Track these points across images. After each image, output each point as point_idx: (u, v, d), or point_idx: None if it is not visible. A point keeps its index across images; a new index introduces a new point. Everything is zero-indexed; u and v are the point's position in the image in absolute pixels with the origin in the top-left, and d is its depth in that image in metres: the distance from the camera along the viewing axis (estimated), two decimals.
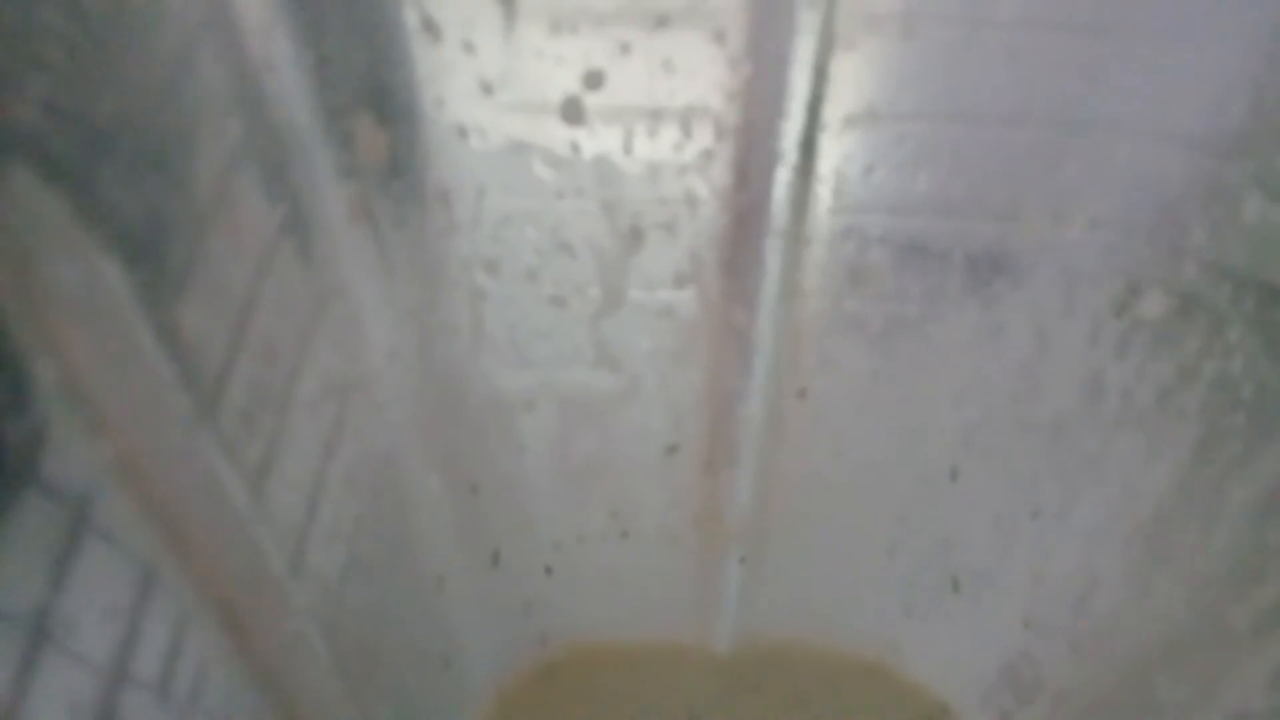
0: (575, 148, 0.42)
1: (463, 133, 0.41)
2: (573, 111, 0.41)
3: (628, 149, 0.42)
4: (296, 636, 0.37)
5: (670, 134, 0.41)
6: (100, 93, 0.27)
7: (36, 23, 0.24)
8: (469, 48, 0.39)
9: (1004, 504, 0.53)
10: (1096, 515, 0.49)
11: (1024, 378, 0.48)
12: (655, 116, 0.41)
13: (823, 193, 0.43)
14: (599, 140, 0.41)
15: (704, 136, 0.41)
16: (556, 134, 0.41)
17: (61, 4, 0.25)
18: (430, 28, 0.38)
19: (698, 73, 0.40)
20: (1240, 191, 0.40)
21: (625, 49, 0.39)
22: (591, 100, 0.40)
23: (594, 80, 0.40)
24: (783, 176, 0.42)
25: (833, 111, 0.41)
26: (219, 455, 0.32)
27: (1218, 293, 0.41)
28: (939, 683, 0.61)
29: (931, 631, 0.60)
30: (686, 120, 0.41)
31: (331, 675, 0.42)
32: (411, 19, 0.37)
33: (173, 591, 0.29)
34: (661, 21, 0.38)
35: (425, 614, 0.54)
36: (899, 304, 0.46)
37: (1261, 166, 0.39)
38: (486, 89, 0.40)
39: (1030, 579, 0.53)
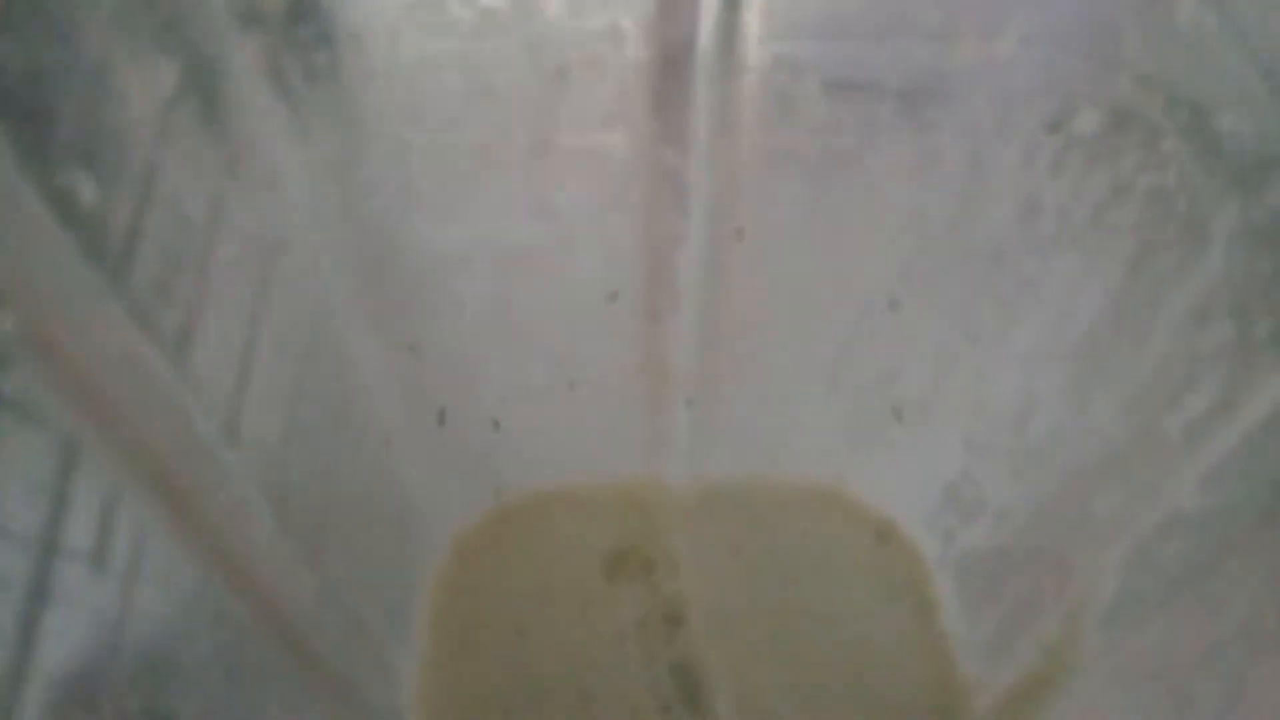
0: None
1: None
2: None
3: None
4: (237, 503, 0.37)
5: None
6: None
7: None
8: None
9: (943, 332, 0.53)
10: (1034, 337, 0.49)
11: (960, 204, 0.48)
12: None
13: (751, 21, 0.42)
14: None
15: None
16: None
17: None
18: None
19: None
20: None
21: None
22: None
23: None
24: (709, 5, 0.40)
25: None
26: (133, 325, 0.31)
27: (1151, 105, 0.41)
28: (885, 504, 0.63)
29: (876, 458, 0.61)
30: None
31: (281, 540, 0.42)
32: None
33: (99, 463, 0.28)
34: None
35: (374, 474, 0.54)
36: (833, 136, 0.45)
37: None
38: None
39: (970, 404, 0.54)
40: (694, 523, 0.65)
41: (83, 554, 0.26)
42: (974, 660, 0.55)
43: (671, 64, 0.42)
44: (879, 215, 0.49)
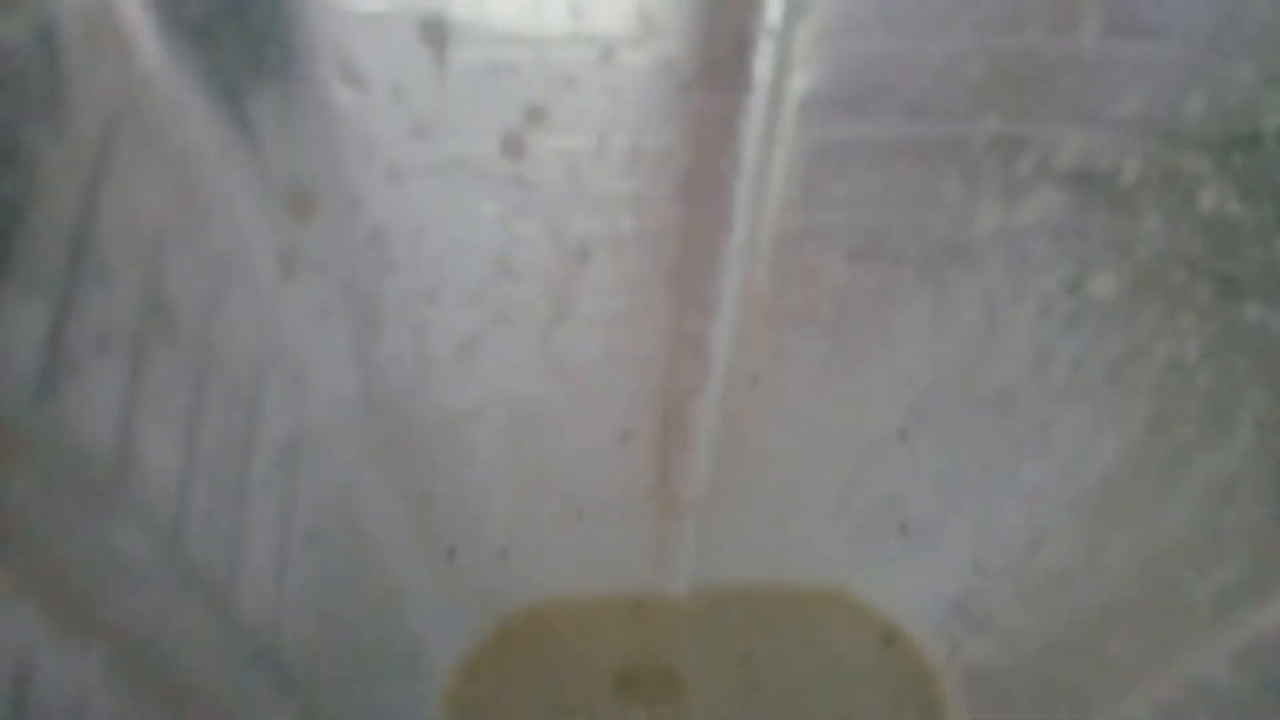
0: (518, 180, 0.39)
1: (395, 174, 0.38)
2: (513, 146, 0.38)
3: (574, 175, 0.39)
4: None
5: (618, 157, 0.39)
6: None
7: None
8: (398, 94, 0.35)
9: (951, 462, 0.54)
10: (1043, 476, 0.50)
11: (974, 351, 0.48)
12: (603, 142, 0.38)
13: (776, 198, 0.42)
14: (543, 169, 0.39)
15: (652, 159, 0.39)
16: (497, 168, 0.38)
17: None
18: (353, 80, 0.34)
19: (646, 101, 0.37)
20: (1197, 181, 0.39)
21: (569, 82, 0.36)
22: (533, 132, 0.38)
23: (535, 115, 0.37)
24: (737, 190, 0.40)
25: (788, 121, 0.39)
26: (191, 583, 0.30)
27: (1170, 279, 0.42)
28: (890, 609, 0.64)
29: (881, 568, 0.62)
30: (635, 145, 0.38)
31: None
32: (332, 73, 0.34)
33: None
34: (607, 55, 0.35)
35: (388, 626, 0.53)
36: (852, 298, 0.46)
37: (1219, 160, 0.38)
38: (419, 133, 0.36)
39: (978, 528, 0.55)
40: (701, 634, 0.65)
41: None
42: None
43: (696, 240, 0.42)
44: (893, 361, 0.49)
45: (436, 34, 0.34)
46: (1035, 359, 0.47)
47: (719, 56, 0.35)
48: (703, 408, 0.49)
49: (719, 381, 0.48)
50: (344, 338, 0.42)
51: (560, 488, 0.56)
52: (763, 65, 0.36)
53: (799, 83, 0.37)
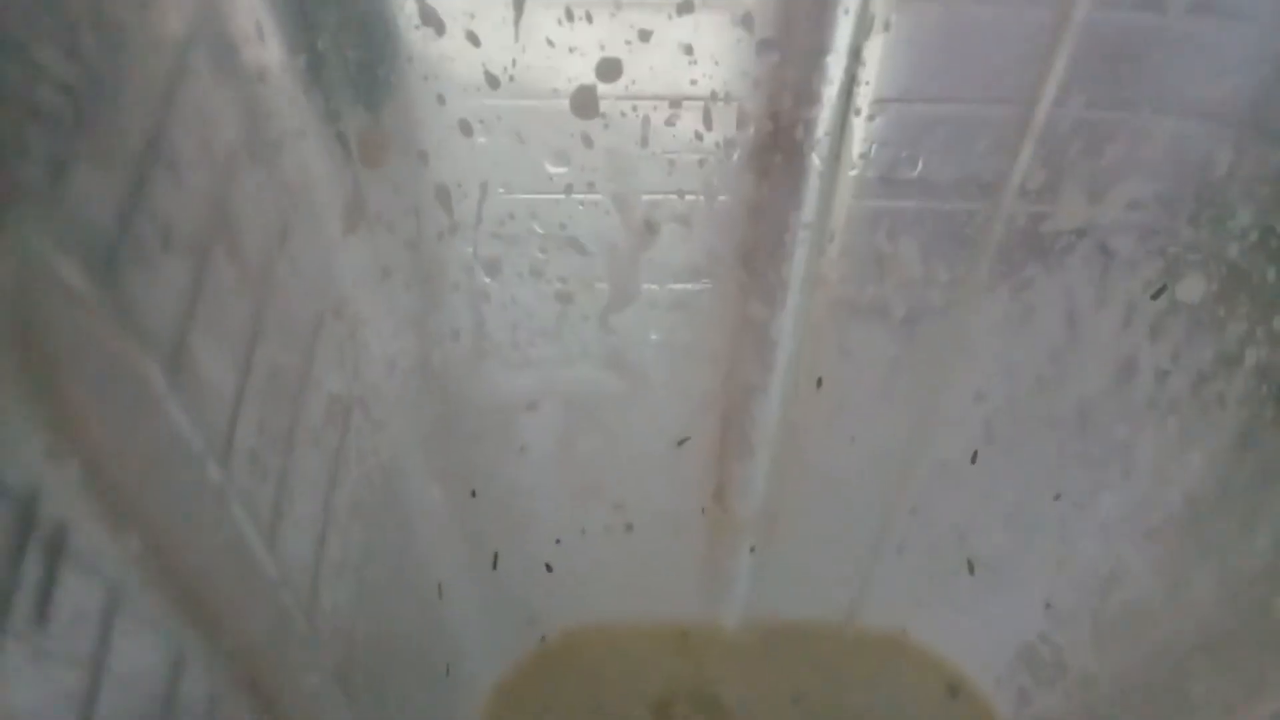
0: (587, 140, 0.38)
1: (466, 128, 0.37)
2: (585, 103, 0.37)
3: (643, 141, 0.39)
4: (317, 688, 0.35)
5: (690, 123, 0.38)
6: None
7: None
8: (473, 39, 0.35)
9: (1025, 490, 0.51)
10: (1124, 504, 0.48)
11: (1052, 362, 0.46)
12: (675, 102, 0.38)
13: (849, 177, 0.41)
14: (612, 132, 0.38)
15: (725, 126, 0.38)
16: (567, 125, 0.38)
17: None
18: (432, 21, 0.34)
19: (721, 59, 0.37)
20: None
21: (644, 36, 0.36)
22: (606, 90, 0.37)
23: (608, 70, 0.36)
24: (811, 165, 0.39)
25: (865, 95, 0.38)
26: (236, 509, 0.29)
27: (1262, 278, 0.40)
28: (954, 657, 0.61)
29: (947, 612, 0.59)
30: (708, 109, 0.38)
31: (342, 705, 0.39)
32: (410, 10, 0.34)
33: (203, 669, 0.26)
34: (685, 8, 0.35)
35: (427, 624, 0.51)
36: (925, 291, 0.44)
37: None
38: (492, 83, 0.36)
39: (1051, 563, 0.52)
40: (751, 667, 0.62)
41: None
42: None
43: (766, 220, 0.41)
44: (966, 370, 0.47)
45: None
46: (1118, 370, 0.45)
47: (797, 14, 0.35)
48: (764, 408, 0.48)
49: (782, 379, 0.47)
50: (404, 302, 0.41)
51: (611, 495, 0.54)
52: (843, 26, 0.35)
53: (877, 50, 0.37)
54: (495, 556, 0.55)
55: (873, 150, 0.40)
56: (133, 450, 0.24)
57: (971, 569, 0.56)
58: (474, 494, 0.51)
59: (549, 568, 0.57)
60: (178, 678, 0.26)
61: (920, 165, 0.40)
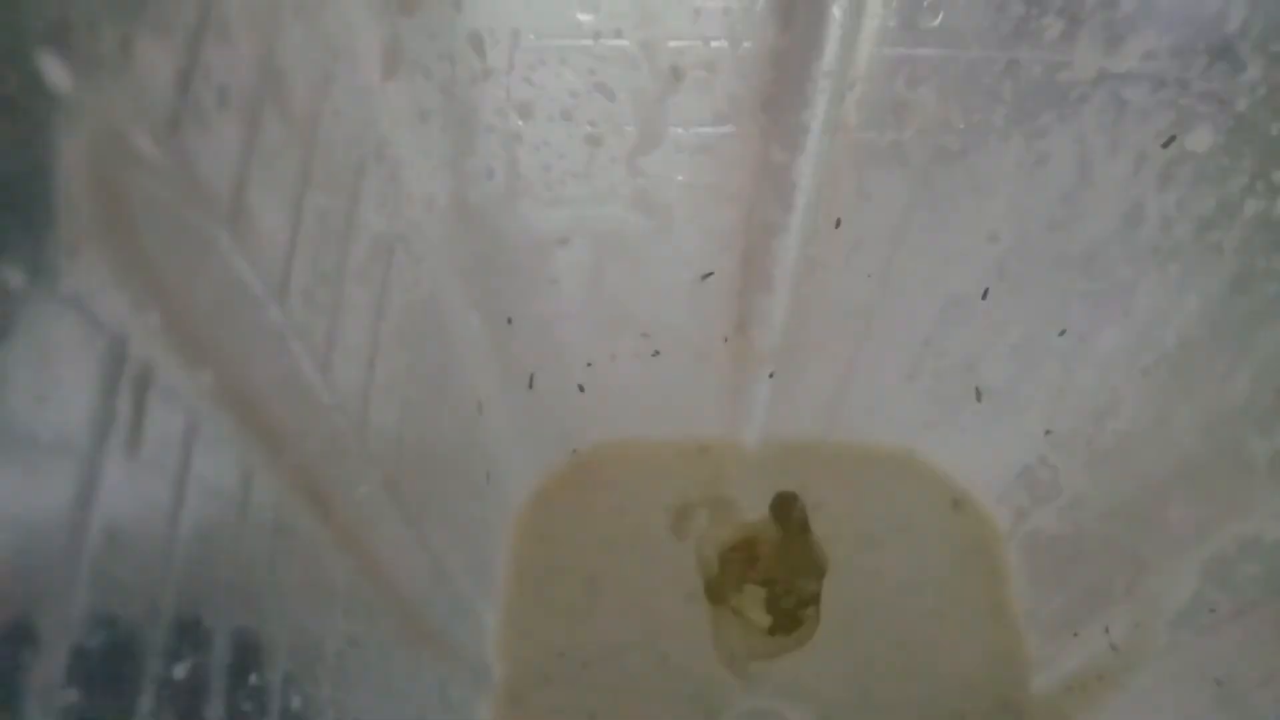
0: None
1: None
2: None
3: None
4: (369, 496, 0.39)
5: None
6: None
7: None
8: None
9: (1031, 324, 0.54)
10: (1122, 341, 0.50)
11: (1064, 206, 0.48)
12: None
13: (871, 25, 0.42)
14: None
15: None
16: None
17: None
18: None
19: None
20: None
21: None
22: None
23: None
24: (832, 15, 0.40)
25: None
26: (293, 343, 0.32)
27: (1267, 130, 0.41)
28: (959, 474, 0.65)
29: (954, 432, 0.62)
30: None
31: (394, 513, 0.44)
32: None
33: (269, 486, 0.31)
34: None
35: (468, 439, 0.56)
36: (942, 136, 0.46)
37: None
38: None
39: (1053, 393, 0.55)
40: (767, 478, 0.67)
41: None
42: (1039, 638, 0.58)
43: (786, 67, 0.43)
44: (980, 212, 0.49)
45: None
46: (1125, 216, 0.47)
47: None
48: (784, 247, 0.50)
49: (802, 219, 0.49)
50: (441, 143, 0.44)
51: (639, 325, 0.57)
52: None
53: None
54: (531, 378, 0.59)
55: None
56: (203, 298, 0.27)
57: (979, 396, 0.59)
58: (510, 321, 0.54)
59: (581, 388, 0.61)
60: (248, 489, 0.30)
61: (941, 15, 0.41)
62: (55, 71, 0.22)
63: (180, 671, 0.27)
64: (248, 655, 0.31)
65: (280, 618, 0.33)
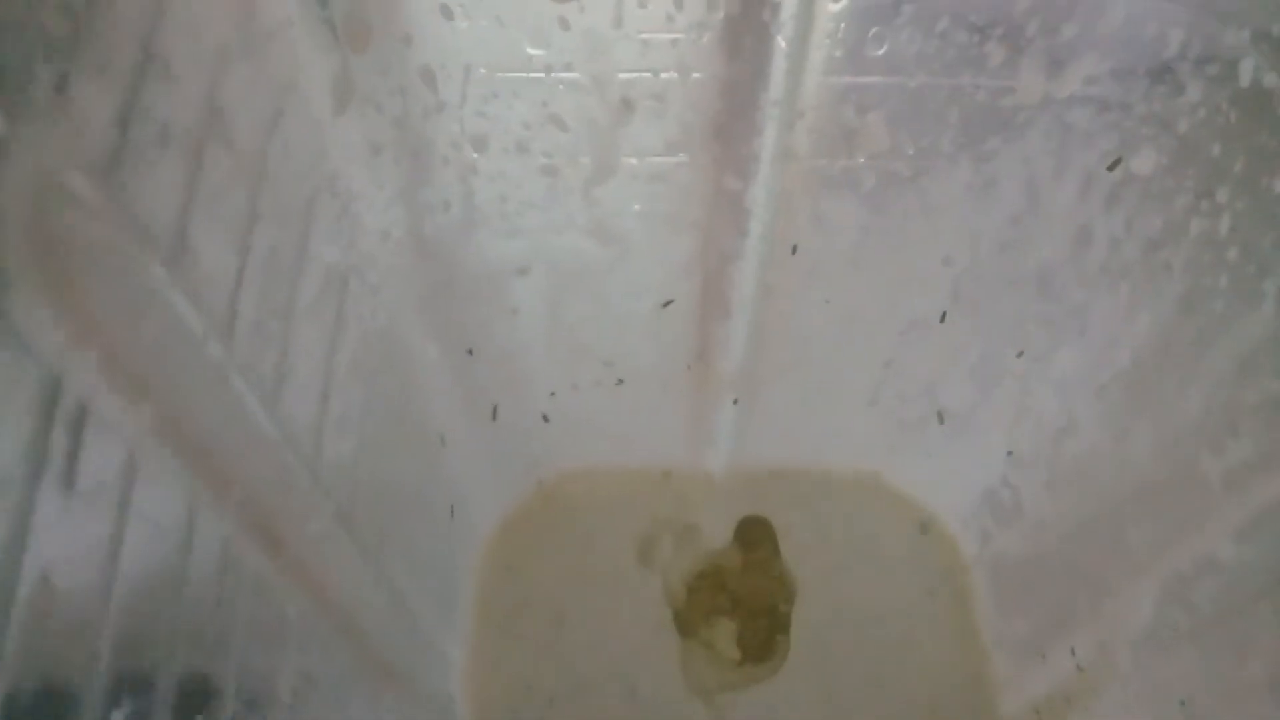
0: (564, 23, 0.40)
1: (447, 12, 0.39)
2: None
3: (618, 23, 0.40)
4: (322, 531, 0.39)
5: (661, 6, 0.40)
6: None
7: None
8: None
9: (989, 347, 0.54)
10: (1078, 362, 0.51)
11: (1014, 229, 0.49)
12: None
13: (817, 56, 0.42)
14: (588, 14, 0.40)
15: (696, 8, 0.40)
16: (543, 10, 0.39)
17: None
18: None
19: None
20: (1236, 54, 0.39)
21: None
22: None
23: None
24: (778, 46, 0.40)
25: None
26: (236, 378, 0.32)
27: (1209, 152, 0.41)
28: (926, 498, 0.65)
29: (918, 458, 0.63)
30: None
31: (349, 547, 0.44)
32: None
33: (215, 522, 0.30)
34: None
35: (431, 471, 0.56)
36: (892, 163, 0.46)
37: (1258, 32, 0.38)
38: None
39: (1012, 415, 0.56)
40: (733, 505, 0.67)
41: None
42: (1006, 660, 0.58)
43: (736, 97, 0.43)
44: (933, 235, 0.50)
45: None
46: (1075, 237, 0.48)
47: None
48: (742, 274, 0.51)
49: (758, 247, 0.49)
50: (395, 176, 0.44)
51: (601, 353, 0.57)
52: None
53: None
54: (495, 409, 0.59)
55: (840, 30, 0.41)
56: (142, 337, 0.27)
57: (941, 419, 0.59)
58: (470, 352, 0.54)
59: (545, 418, 0.61)
60: (192, 525, 0.30)
61: (885, 45, 0.42)
62: None
63: (120, 719, 0.26)
64: (194, 698, 0.31)
65: (227, 656, 0.33)
